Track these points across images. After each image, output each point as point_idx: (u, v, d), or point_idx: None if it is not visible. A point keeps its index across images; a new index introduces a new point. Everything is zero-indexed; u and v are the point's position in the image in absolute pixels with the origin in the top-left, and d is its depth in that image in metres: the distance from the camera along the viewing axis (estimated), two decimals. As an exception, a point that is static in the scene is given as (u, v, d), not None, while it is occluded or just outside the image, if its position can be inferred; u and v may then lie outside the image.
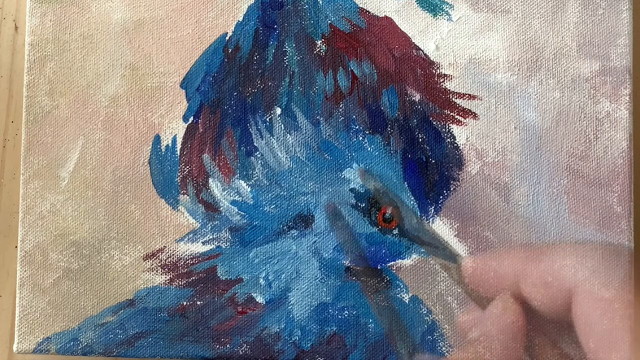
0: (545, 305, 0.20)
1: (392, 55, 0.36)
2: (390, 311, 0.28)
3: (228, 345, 0.35)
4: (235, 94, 0.36)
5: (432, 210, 0.35)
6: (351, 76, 0.36)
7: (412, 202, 0.35)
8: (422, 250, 0.35)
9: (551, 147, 0.35)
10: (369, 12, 0.36)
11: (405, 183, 0.35)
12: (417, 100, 0.36)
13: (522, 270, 0.20)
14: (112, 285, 0.36)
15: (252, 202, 0.36)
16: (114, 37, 0.36)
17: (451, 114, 0.36)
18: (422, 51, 0.36)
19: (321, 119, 0.36)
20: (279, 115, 0.36)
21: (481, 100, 0.36)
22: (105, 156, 0.36)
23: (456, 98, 0.36)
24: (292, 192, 0.36)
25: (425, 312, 0.35)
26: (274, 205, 0.36)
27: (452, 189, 0.35)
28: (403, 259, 0.35)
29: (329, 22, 0.36)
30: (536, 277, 0.20)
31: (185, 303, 0.35)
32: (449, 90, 0.36)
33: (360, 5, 0.36)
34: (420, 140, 0.35)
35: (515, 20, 0.36)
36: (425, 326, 0.35)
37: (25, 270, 0.36)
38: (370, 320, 0.35)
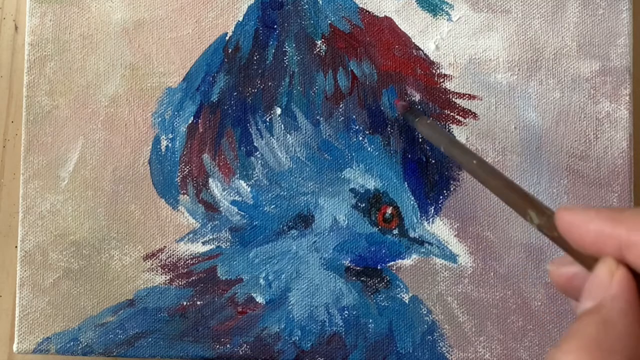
0: None
1: (392, 55, 0.36)
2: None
3: (228, 345, 0.35)
4: (235, 94, 0.36)
5: (432, 210, 0.35)
6: (351, 76, 0.36)
7: (412, 202, 0.35)
8: (422, 250, 0.35)
9: (551, 147, 0.35)
10: (369, 12, 0.36)
11: (405, 183, 0.35)
12: (417, 100, 0.36)
13: (626, 238, 0.19)
14: (112, 285, 0.36)
15: (252, 202, 0.36)
16: (114, 37, 0.36)
17: (451, 114, 0.36)
18: (422, 51, 0.36)
19: (321, 119, 0.36)
20: (279, 115, 0.36)
21: (481, 100, 0.36)
22: (105, 156, 0.36)
23: (456, 98, 0.36)
24: (292, 192, 0.36)
25: (425, 312, 0.35)
26: (274, 205, 0.36)
27: (452, 189, 0.35)
28: (403, 259, 0.35)
29: (329, 22, 0.36)
30: None
31: (185, 303, 0.35)
32: (449, 90, 0.36)
33: (360, 5, 0.36)
34: (420, 140, 0.35)
35: (515, 20, 0.36)
36: (425, 326, 0.35)
37: (25, 270, 0.36)
38: (370, 320, 0.35)
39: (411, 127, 0.35)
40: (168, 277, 0.36)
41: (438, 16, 0.36)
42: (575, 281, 0.21)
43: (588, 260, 0.20)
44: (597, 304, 0.19)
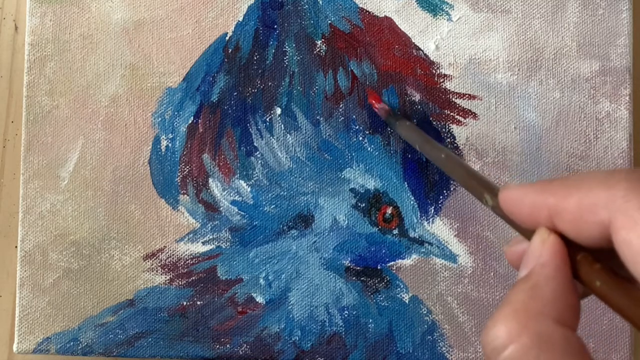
0: (582, 239, 0.20)
1: (392, 55, 0.36)
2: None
3: (228, 345, 0.35)
4: (235, 94, 0.36)
5: (432, 210, 0.35)
6: (351, 76, 0.36)
7: (412, 202, 0.35)
8: (422, 250, 0.35)
9: (551, 147, 0.35)
10: (369, 12, 0.36)
11: (405, 183, 0.35)
12: (417, 100, 0.36)
13: (554, 206, 0.20)
14: (112, 285, 0.36)
15: (252, 202, 0.36)
16: (114, 37, 0.36)
17: (451, 114, 0.36)
18: (422, 51, 0.36)
19: (321, 119, 0.36)
20: (279, 115, 0.36)
21: (481, 100, 0.36)
22: (105, 156, 0.36)
23: (456, 98, 0.36)
24: (292, 192, 0.36)
25: (425, 312, 0.35)
26: (274, 205, 0.36)
27: (452, 189, 0.35)
28: (403, 259, 0.35)
29: (329, 22, 0.36)
30: (569, 214, 0.20)
31: (185, 303, 0.35)
32: (449, 90, 0.36)
33: (360, 5, 0.36)
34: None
35: (515, 20, 0.36)
36: (425, 326, 0.35)
37: (25, 270, 0.36)
38: (370, 320, 0.35)
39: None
40: (168, 277, 0.36)
41: (438, 16, 0.36)
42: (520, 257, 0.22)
43: (531, 235, 0.21)
44: (529, 272, 0.20)
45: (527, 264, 0.21)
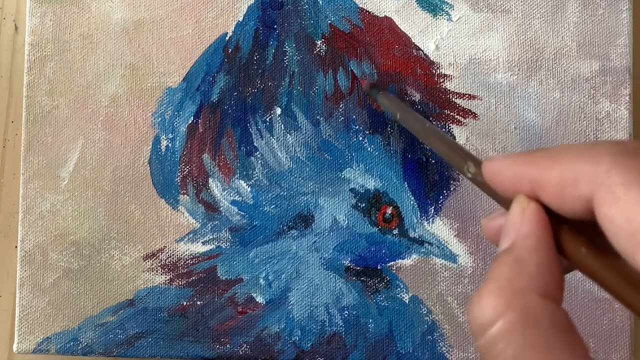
0: (564, 211, 0.19)
1: (392, 55, 0.36)
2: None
3: (228, 345, 0.35)
4: (235, 94, 0.36)
5: (432, 210, 0.35)
6: (351, 76, 0.36)
7: (412, 202, 0.35)
8: (422, 250, 0.35)
9: (551, 147, 0.35)
10: (369, 12, 0.36)
11: (405, 183, 0.35)
12: (417, 100, 0.36)
13: (536, 177, 0.20)
14: (112, 285, 0.36)
15: (252, 202, 0.36)
16: (114, 37, 0.36)
17: (451, 114, 0.36)
18: (422, 51, 0.36)
19: (321, 119, 0.36)
20: (279, 115, 0.36)
21: (481, 100, 0.36)
22: (105, 156, 0.36)
23: (456, 98, 0.36)
24: (292, 192, 0.36)
25: (425, 312, 0.35)
26: (274, 205, 0.36)
27: (452, 189, 0.35)
28: (403, 259, 0.35)
29: (329, 22, 0.36)
30: (552, 186, 0.19)
31: (185, 303, 0.35)
32: (449, 90, 0.36)
33: (360, 5, 0.36)
34: (420, 140, 0.35)
35: (515, 20, 0.36)
36: (425, 326, 0.35)
37: (25, 270, 0.36)
38: (370, 320, 0.35)
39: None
40: (168, 277, 0.36)
41: (438, 16, 0.36)
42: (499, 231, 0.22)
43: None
44: (511, 244, 0.20)
45: (507, 235, 0.20)
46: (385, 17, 0.36)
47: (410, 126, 0.31)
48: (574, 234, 0.20)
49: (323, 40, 0.36)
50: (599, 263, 0.19)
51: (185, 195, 0.36)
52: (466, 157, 0.24)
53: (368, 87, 0.35)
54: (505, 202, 0.22)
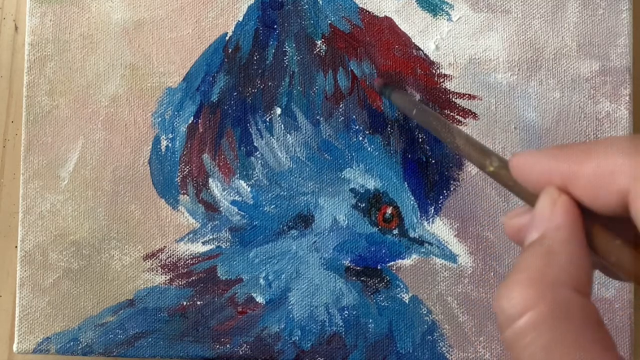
0: (597, 206, 0.19)
1: (392, 55, 0.36)
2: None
3: (228, 345, 0.35)
4: (235, 94, 0.36)
5: (432, 210, 0.35)
6: (351, 76, 0.36)
7: (412, 202, 0.35)
8: (422, 250, 0.35)
9: (551, 147, 0.35)
10: (369, 12, 0.36)
11: (405, 183, 0.35)
12: (417, 100, 0.36)
13: (568, 171, 0.19)
14: (112, 285, 0.36)
15: (252, 202, 0.36)
16: (114, 37, 0.36)
17: (451, 114, 0.36)
18: (422, 51, 0.36)
19: (321, 119, 0.36)
20: (279, 115, 0.36)
21: (481, 100, 0.36)
22: (105, 156, 0.36)
23: (456, 98, 0.36)
24: (292, 192, 0.36)
25: (425, 312, 0.35)
26: (274, 205, 0.36)
27: (452, 189, 0.35)
28: (403, 259, 0.35)
29: (329, 22, 0.36)
30: (585, 180, 0.19)
31: (185, 303, 0.35)
32: (449, 90, 0.36)
33: (360, 5, 0.36)
34: (420, 140, 0.35)
35: (515, 20, 0.36)
36: (425, 326, 0.35)
37: (25, 270, 0.36)
38: (370, 320, 0.35)
39: (411, 128, 0.35)
40: (168, 277, 0.36)
41: (438, 16, 0.36)
42: (525, 228, 0.21)
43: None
44: (541, 235, 0.19)
45: (536, 226, 0.20)
46: (385, 17, 0.36)
47: (427, 124, 0.30)
48: (605, 229, 0.19)
49: (323, 40, 0.36)
50: (633, 257, 0.18)
51: (185, 195, 0.36)
52: (488, 152, 0.24)
53: (381, 85, 0.35)
54: (530, 198, 0.21)
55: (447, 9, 0.36)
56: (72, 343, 0.35)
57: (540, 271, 0.19)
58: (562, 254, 0.19)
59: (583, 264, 0.19)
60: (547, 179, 0.20)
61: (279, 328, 0.35)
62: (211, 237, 0.36)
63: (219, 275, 0.36)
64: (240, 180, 0.36)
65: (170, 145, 0.36)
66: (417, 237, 0.35)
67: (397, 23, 0.36)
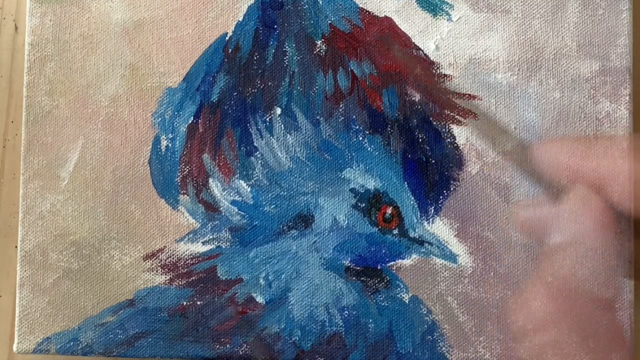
0: (627, 208, 0.18)
1: (392, 55, 0.36)
2: None
3: (228, 345, 0.35)
4: (235, 94, 0.36)
5: (432, 210, 0.35)
6: (351, 76, 0.36)
7: (412, 202, 0.35)
8: (422, 250, 0.35)
9: (551, 147, 0.35)
10: (369, 12, 0.36)
11: (405, 183, 0.35)
12: (417, 100, 0.36)
13: (607, 169, 0.19)
14: (112, 285, 0.36)
15: (252, 202, 0.36)
16: (114, 37, 0.36)
17: (451, 114, 0.36)
18: (422, 51, 0.36)
19: (321, 119, 0.36)
20: (279, 115, 0.36)
21: (481, 100, 0.36)
22: (105, 156, 0.36)
23: (456, 98, 0.36)
24: (292, 192, 0.36)
25: (425, 312, 0.35)
26: (274, 205, 0.36)
27: (452, 189, 0.35)
28: (403, 259, 0.35)
29: (329, 22, 0.36)
30: (621, 179, 0.18)
31: (185, 303, 0.35)
32: (449, 90, 0.36)
33: (360, 5, 0.36)
34: (420, 140, 0.35)
35: (515, 20, 0.36)
36: (425, 326, 0.35)
37: (25, 270, 0.36)
38: (370, 320, 0.35)
39: (411, 128, 0.35)
40: (168, 277, 0.36)
41: (438, 16, 0.36)
42: (538, 220, 0.21)
43: (558, 193, 0.20)
44: (571, 238, 0.19)
45: (563, 228, 0.19)
46: (385, 17, 0.36)
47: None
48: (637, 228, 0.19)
49: (323, 40, 0.36)
50: None
51: (185, 195, 0.36)
52: (506, 129, 0.23)
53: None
54: (549, 188, 0.20)
55: (447, 9, 0.36)
56: (72, 343, 0.35)
57: (572, 273, 0.18)
58: (593, 257, 0.18)
59: (610, 274, 0.18)
60: (574, 173, 0.19)
61: (279, 328, 0.35)
62: (211, 237, 0.36)
63: (219, 275, 0.36)
64: (240, 180, 0.36)
65: (170, 145, 0.36)
66: (417, 237, 0.35)
67: (397, 23, 0.36)
